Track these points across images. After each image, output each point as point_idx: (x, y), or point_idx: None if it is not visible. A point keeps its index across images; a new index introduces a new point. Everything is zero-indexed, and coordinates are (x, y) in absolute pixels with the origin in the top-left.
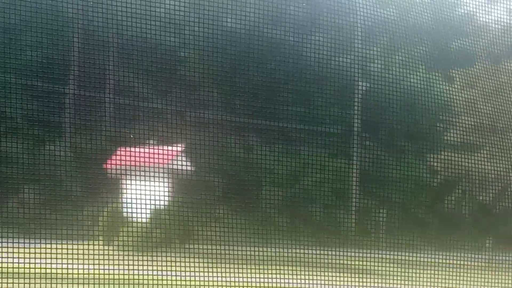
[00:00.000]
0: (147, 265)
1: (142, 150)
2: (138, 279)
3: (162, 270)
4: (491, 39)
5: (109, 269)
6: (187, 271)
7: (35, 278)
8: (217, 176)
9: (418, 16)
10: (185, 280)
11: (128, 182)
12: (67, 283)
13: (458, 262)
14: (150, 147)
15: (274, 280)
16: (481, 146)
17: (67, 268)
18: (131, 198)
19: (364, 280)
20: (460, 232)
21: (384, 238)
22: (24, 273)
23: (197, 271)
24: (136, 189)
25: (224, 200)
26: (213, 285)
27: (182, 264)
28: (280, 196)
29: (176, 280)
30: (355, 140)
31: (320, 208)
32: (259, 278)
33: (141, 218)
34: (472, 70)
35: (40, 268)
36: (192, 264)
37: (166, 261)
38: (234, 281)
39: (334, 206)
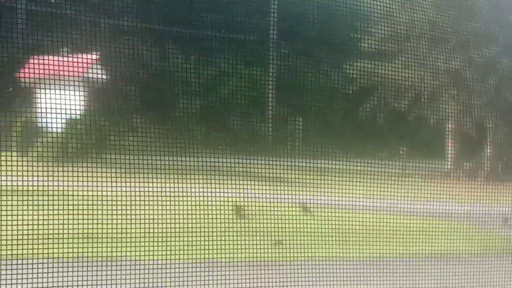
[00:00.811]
0: (63, 176)
1: (56, 59)
2: (53, 190)
3: (78, 181)
4: None
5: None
6: (104, 182)
7: None
8: (133, 86)
9: None
10: (102, 191)
11: (43, 92)
12: None
13: (373, 169)
14: (65, 57)
15: (190, 190)
16: (396, 54)
17: None
18: (46, 108)
19: (280, 188)
20: (376, 140)
21: (300, 146)
22: None
23: (114, 181)
24: (50, 99)
25: (140, 110)
26: (130, 195)
27: (99, 174)
28: (196, 105)
29: (92, 191)
30: (271, 48)
31: (236, 117)
32: (175, 187)
33: (56, 128)
34: None
35: None
36: (108, 174)
37: (83, 171)
38: (150, 191)
39: (250, 114)
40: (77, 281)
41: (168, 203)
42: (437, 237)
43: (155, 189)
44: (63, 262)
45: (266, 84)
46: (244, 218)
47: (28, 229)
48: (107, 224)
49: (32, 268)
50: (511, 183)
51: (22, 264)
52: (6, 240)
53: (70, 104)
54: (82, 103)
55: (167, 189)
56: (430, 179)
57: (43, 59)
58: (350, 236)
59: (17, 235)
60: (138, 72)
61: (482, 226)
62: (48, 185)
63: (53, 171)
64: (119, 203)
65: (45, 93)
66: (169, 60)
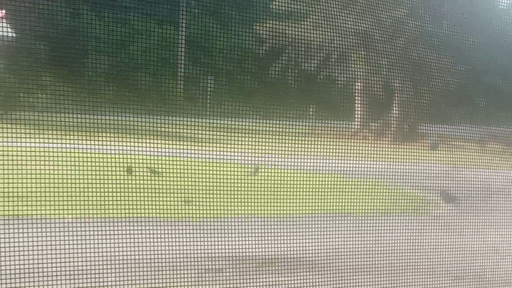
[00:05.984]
0: None
1: None
2: None
3: None
4: None
5: None
6: (11, 139)
7: None
8: (43, 43)
9: None
10: (11, 149)
11: None
12: None
13: (283, 129)
14: None
15: (101, 148)
16: (306, 15)
17: None
18: None
19: (192, 145)
20: (285, 100)
21: (211, 105)
22: None
23: (23, 139)
24: None
25: (49, 67)
26: (40, 153)
27: (8, 131)
28: (106, 63)
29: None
30: (182, 7)
31: (147, 75)
32: (86, 145)
33: None
34: None
35: None
36: (17, 132)
37: None
38: (62, 149)
39: (161, 74)
40: None
41: (80, 161)
42: (343, 195)
43: (64, 147)
44: None
45: (177, 43)
46: (157, 176)
47: None
48: (13, 181)
49: None
50: (418, 143)
51: None
52: None
53: None
54: None
55: (78, 147)
56: (338, 138)
57: None
58: (261, 193)
59: None
60: (48, 30)
61: (388, 184)
62: None
63: None
64: (27, 161)
65: None
66: (80, 18)
